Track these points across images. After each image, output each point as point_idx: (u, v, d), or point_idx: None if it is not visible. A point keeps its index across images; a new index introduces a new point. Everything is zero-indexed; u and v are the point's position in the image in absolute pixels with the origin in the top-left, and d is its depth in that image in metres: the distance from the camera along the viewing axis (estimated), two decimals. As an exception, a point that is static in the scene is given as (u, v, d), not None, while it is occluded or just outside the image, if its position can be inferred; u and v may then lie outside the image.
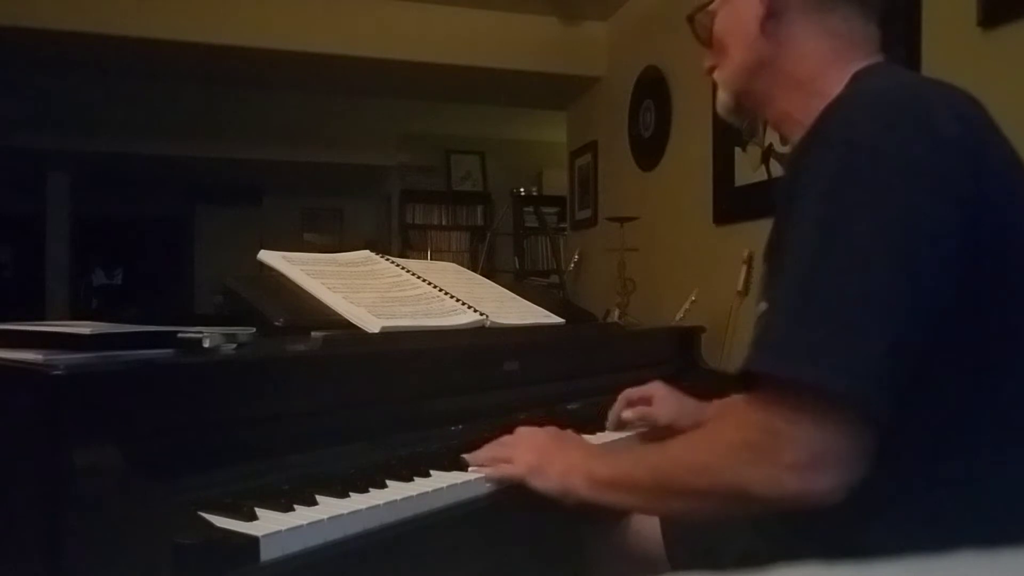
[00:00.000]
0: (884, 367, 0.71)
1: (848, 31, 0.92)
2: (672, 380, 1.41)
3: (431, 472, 0.99)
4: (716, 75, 1.03)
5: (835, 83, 0.88)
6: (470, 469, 1.02)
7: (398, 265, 1.45)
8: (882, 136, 0.76)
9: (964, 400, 0.77)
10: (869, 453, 0.73)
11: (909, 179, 0.74)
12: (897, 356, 0.72)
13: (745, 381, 0.78)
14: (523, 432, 1.08)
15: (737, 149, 2.73)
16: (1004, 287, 0.77)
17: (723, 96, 1.03)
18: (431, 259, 5.23)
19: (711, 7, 1.02)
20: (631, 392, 1.36)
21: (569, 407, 1.46)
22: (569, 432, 1.10)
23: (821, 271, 0.75)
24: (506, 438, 1.07)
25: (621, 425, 1.36)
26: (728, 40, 0.99)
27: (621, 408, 1.36)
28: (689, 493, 0.83)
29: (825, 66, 0.91)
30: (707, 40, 1.03)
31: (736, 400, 0.82)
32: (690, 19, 1.06)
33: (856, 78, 0.88)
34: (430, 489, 0.93)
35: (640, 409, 1.34)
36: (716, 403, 1.30)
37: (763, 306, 0.82)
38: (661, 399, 1.34)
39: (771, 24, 0.93)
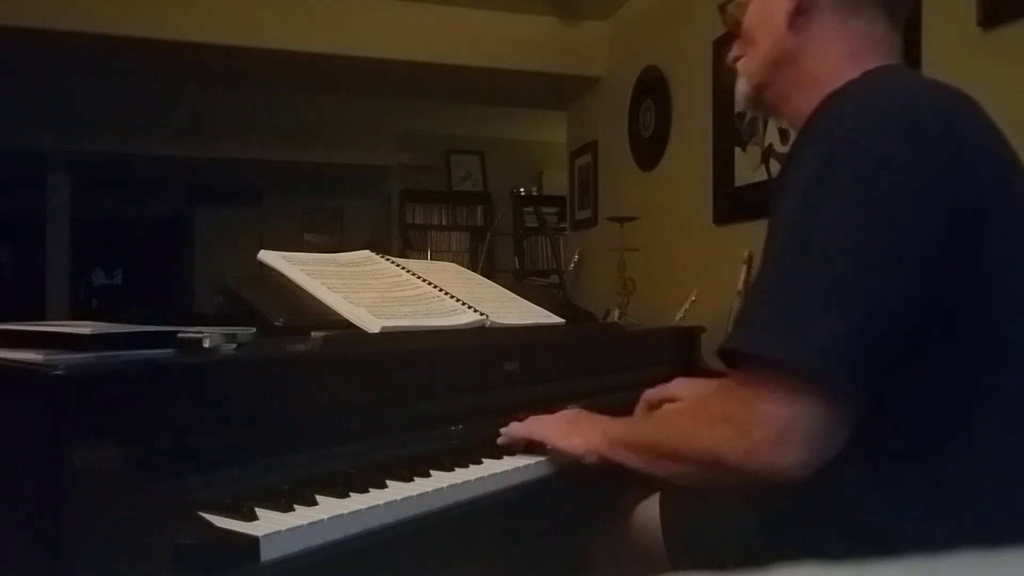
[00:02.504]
0: (852, 349, 0.74)
1: (871, 33, 0.93)
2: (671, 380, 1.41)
3: (431, 472, 0.99)
4: (740, 65, 1.04)
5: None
6: (469, 465, 1.05)
7: (398, 265, 1.45)
8: (864, 131, 0.79)
9: (960, 393, 0.78)
10: (838, 433, 0.76)
11: (887, 173, 0.76)
12: (866, 339, 0.74)
13: (724, 358, 0.83)
14: (546, 415, 1.16)
15: (737, 149, 2.72)
16: (997, 281, 0.78)
17: (743, 86, 1.04)
18: (431, 259, 5.23)
19: None
20: (651, 395, 1.37)
21: (569, 407, 1.46)
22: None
23: (797, 256, 0.78)
24: (535, 416, 1.16)
25: None
26: (756, 32, 1.00)
27: (644, 411, 1.37)
28: (677, 457, 0.89)
29: (841, 67, 0.91)
30: (736, 30, 1.04)
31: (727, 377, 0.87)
32: (722, 8, 1.07)
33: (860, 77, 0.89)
34: (430, 489, 0.93)
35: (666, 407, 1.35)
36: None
37: None
38: (682, 398, 1.34)
39: (799, 20, 0.95)
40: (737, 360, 0.81)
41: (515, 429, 1.15)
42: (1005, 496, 0.77)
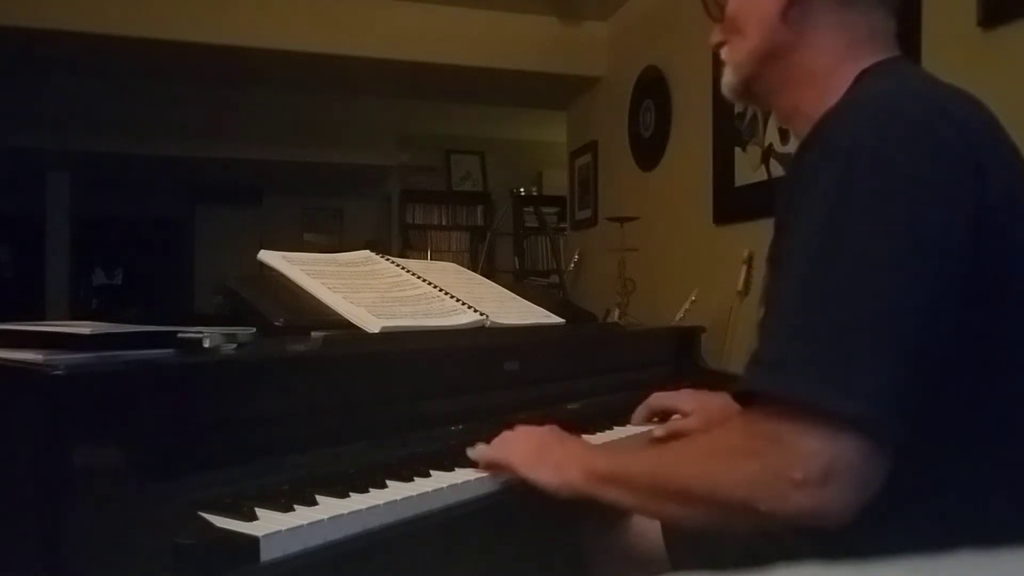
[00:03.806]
0: (896, 385, 0.68)
1: (866, 25, 0.89)
2: (672, 380, 1.41)
3: (431, 472, 0.99)
4: (724, 53, 0.98)
5: (844, 80, 0.86)
6: (470, 466, 1.03)
7: (398, 265, 1.45)
8: (883, 145, 0.74)
9: (970, 405, 0.76)
10: (882, 469, 0.70)
11: (911, 188, 0.73)
12: (908, 372, 0.69)
13: (745, 398, 0.76)
14: (522, 429, 1.07)
15: (737, 149, 2.72)
16: (1010, 291, 0.77)
17: (730, 77, 0.98)
18: (431, 259, 5.23)
19: None
20: (655, 403, 1.36)
21: (569, 407, 1.46)
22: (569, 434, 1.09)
23: (823, 282, 0.72)
24: (506, 434, 1.06)
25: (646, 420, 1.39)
26: (744, 20, 0.94)
27: (645, 414, 1.37)
28: (686, 498, 0.80)
29: (838, 61, 0.88)
30: (718, 15, 0.98)
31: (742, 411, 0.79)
32: None
33: (860, 79, 0.87)
34: (430, 489, 0.93)
35: (670, 424, 1.35)
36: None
37: (764, 312, 0.82)
38: (687, 412, 1.34)
39: (794, 11, 0.89)
40: (760, 396, 0.73)
41: (481, 454, 1.05)
42: (1017, 516, 0.75)
